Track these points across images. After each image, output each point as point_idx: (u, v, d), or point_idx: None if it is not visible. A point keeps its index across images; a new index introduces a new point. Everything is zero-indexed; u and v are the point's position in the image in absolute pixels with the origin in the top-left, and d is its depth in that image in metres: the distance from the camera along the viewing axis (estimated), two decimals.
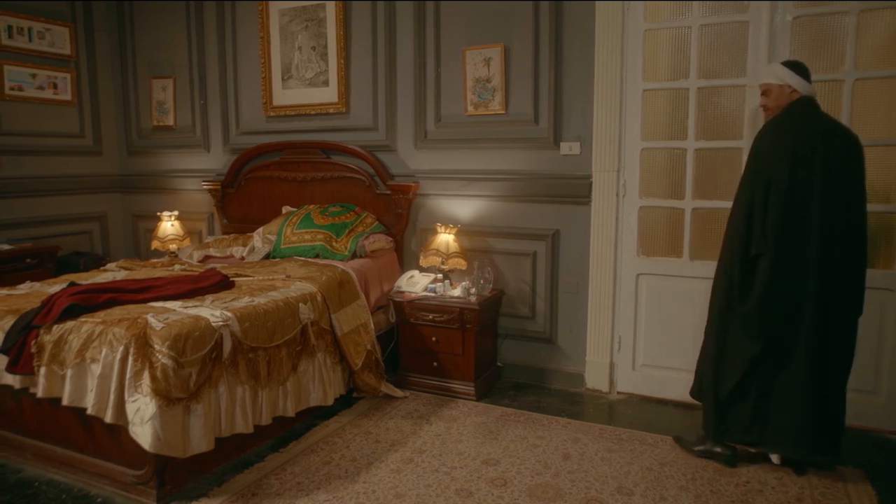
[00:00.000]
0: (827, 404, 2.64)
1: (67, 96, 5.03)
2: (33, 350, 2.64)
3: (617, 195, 3.65)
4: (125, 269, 3.84)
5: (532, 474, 2.77)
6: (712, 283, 2.88)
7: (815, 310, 2.61)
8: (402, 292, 3.83)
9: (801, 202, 2.59)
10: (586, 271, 3.76)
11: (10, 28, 4.60)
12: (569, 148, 3.74)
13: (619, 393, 3.77)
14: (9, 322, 2.78)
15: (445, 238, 3.83)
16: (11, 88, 4.64)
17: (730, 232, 2.76)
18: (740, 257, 2.67)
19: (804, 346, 2.62)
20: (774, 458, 2.81)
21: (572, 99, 3.71)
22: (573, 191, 3.74)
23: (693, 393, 3.01)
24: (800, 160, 2.58)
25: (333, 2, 4.31)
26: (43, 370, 2.62)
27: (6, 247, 4.33)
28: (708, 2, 3.38)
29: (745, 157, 3.29)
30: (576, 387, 3.84)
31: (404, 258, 4.28)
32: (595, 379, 3.80)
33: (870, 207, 3.13)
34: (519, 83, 3.83)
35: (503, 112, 3.88)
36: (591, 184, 3.69)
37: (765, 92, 2.80)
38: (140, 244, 5.49)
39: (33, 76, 4.78)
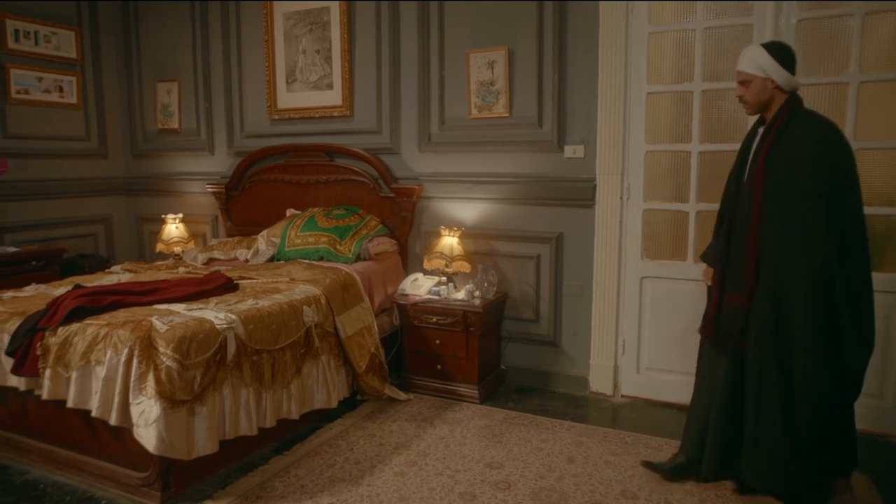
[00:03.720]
0: None
1: (73, 99, 5.05)
2: (39, 352, 2.65)
3: (621, 198, 3.65)
4: (130, 271, 3.85)
5: (536, 478, 2.76)
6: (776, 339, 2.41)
7: None
8: (406, 295, 3.83)
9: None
10: (590, 274, 3.76)
11: (16, 32, 4.62)
12: (573, 151, 3.74)
13: (623, 396, 3.76)
14: (14, 324, 2.79)
15: (449, 241, 3.83)
16: (18, 92, 4.66)
17: (813, 278, 2.33)
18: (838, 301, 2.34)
19: None
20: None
21: (576, 102, 3.71)
22: (577, 194, 3.74)
23: (713, 472, 2.60)
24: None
25: (338, 2, 4.32)
26: (48, 372, 2.63)
27: (12, 249, 4.35)
28: (712, 2, 3.38)
29: None
30: (580, 390, 3.84)
31: (408, 261, 4.28)
32: (599, 382, 3.79)
33: (877, 210, 3.16)
34: (523, 86, 3.83)
35: (507, 115, 3.88)
36: (595, 187, 3.69)
37: (743, 82, 2.48)
38: (145, 246, 5.50)
39: (39, 79, 4.80)
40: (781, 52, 2.43)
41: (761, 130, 2.51)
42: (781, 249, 2.38)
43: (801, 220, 2.36)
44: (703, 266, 3.48)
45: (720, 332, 2.54)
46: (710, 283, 2.67)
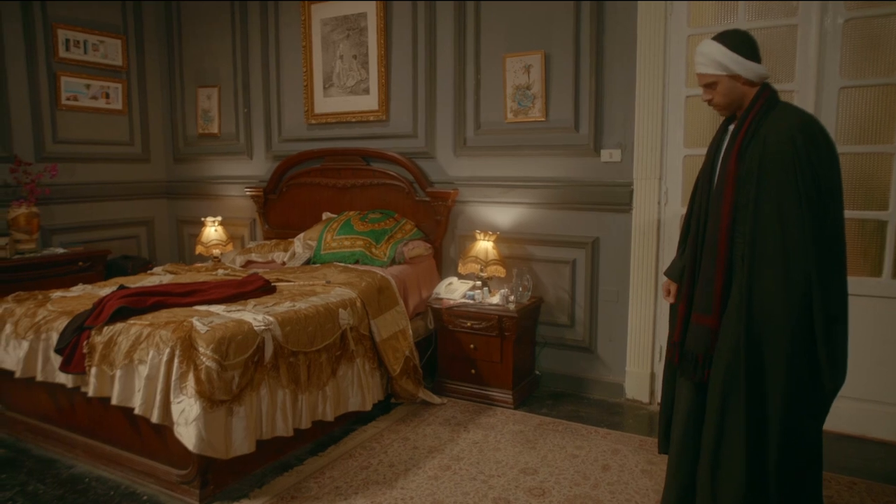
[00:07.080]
0: None
1: (119, 105, 5.21)
2: (85, 350, 2.74)
3: (659, 203, 3.59)
4: (171, 273, 3.94)
5: (570, 485, 2.73)
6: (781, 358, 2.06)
7: None
8: (441, 299, 3.84)
9: None
10: (627, 280, 3.71)
11: (67, 41, 4.79)
12: (609, 155, 3.70)
13: (659, 404, 3.69)
14: (63, 323, 2.89)
15: (484, 245, 3.82)
16: (67, 99, 4.83)
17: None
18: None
19: None
20: None
21: (613, 105, 3.67)
22: (614, 198, 3.69)
23: None
24: None
25: (374, 2, 4.37)
26: (94, 370, 2.71)
27: (60, 250, 4.51)
28: (755, 2, 3.30)
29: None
30: (615, 397, 3.78)
31: (443, 265, 4.28)
32: (635, 389, 3.73)
33: None
34: (559, 90, 3.81)
35: (543, 119, 3.86)
36: (632, 191, 3.64)
37: (709, 85, 2.19)
38: (185, 249, 5.63)
39: (87, 86, 4.97)
40: (741, 42, 2.14)
41: (731, 129, 2.20)
42: (756, 262, 2.08)
43: (780, 228, 2.06)
44: None
45: (685, 356, 2.22)
46: (671, 301, 2.39)
